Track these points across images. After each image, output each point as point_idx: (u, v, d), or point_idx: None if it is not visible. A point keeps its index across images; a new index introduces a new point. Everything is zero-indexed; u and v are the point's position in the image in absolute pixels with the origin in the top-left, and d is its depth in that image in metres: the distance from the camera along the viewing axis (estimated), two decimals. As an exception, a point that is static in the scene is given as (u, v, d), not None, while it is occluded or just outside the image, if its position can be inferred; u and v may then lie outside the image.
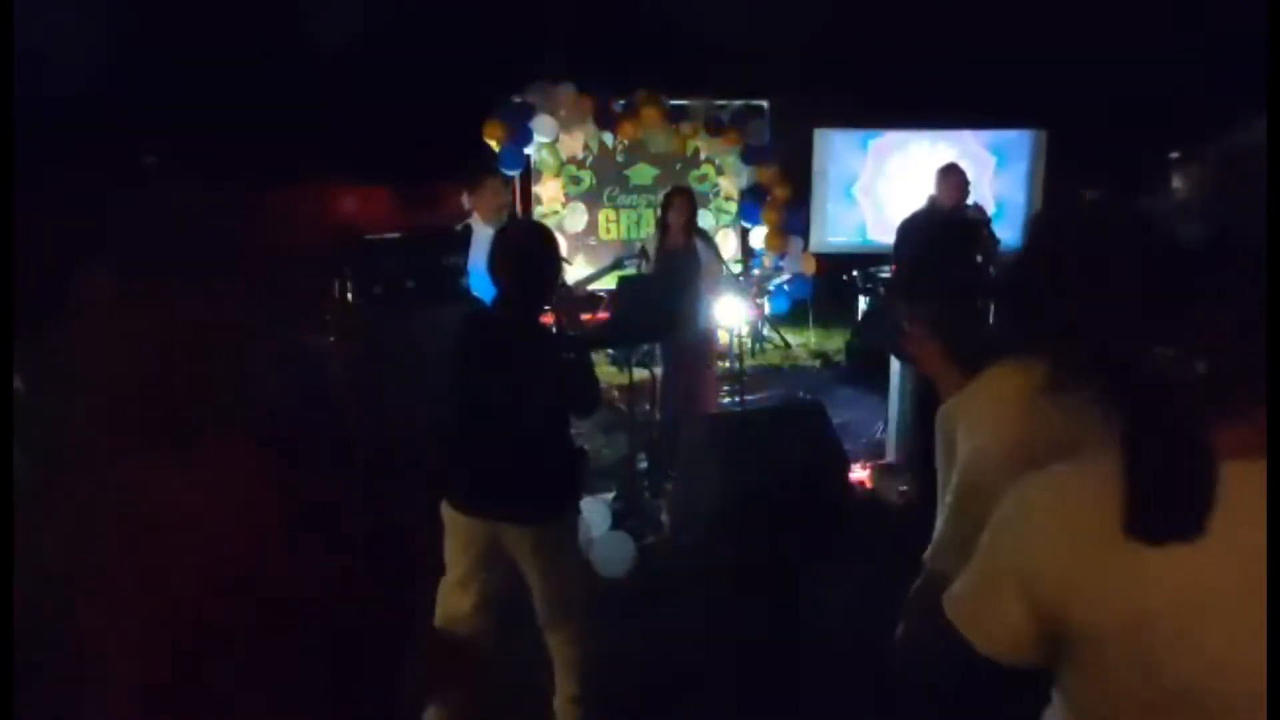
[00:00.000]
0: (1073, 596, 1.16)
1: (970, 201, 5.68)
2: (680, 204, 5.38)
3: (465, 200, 5.18)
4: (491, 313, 2.84)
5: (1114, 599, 1.13)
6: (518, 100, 8.30)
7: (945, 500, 1.81)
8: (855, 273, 8.20)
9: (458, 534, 2.81)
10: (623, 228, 9.02)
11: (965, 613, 1.29)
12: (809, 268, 8.98)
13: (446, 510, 2.82)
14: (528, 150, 8.45)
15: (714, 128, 8.67)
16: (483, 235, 5.02)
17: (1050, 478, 1.23)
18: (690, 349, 5.26)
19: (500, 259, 2.76)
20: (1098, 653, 1.17)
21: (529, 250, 2.77)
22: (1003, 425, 1.66)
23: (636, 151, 8.92)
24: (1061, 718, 1.32)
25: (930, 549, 1.81)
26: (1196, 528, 1.06)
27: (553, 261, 2.83)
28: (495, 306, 2.80)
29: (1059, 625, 1.18)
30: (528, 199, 8.72)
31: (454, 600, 2.86)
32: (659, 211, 5.64)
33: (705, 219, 8.25)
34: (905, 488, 4.79)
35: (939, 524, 1.83)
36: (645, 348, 5.19)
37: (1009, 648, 1.24)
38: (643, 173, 8.99)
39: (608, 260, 7.47)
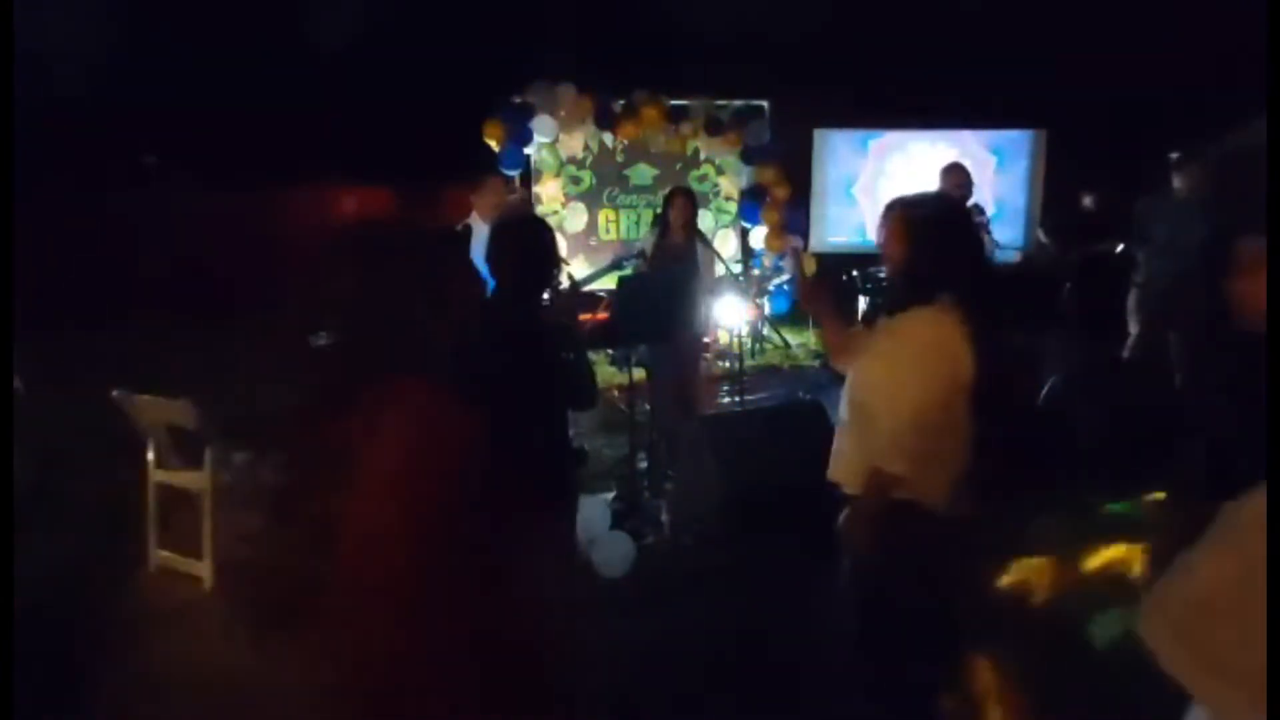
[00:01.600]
0: None
1: (971, 202, 5.69)
2: (682, 204, 5.37)
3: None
4: (489, 305, 2.82)
5: None
6: (518, 100, 8.30)
7: (870, 422, 2.48)
8: (855, 272, 8.19)
9: None
10: (622, 228, 9.01)
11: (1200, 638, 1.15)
12: (809, 268, 8.98)
13: None
14: (528, 150, 8.45)
15: (714, 128, 8.67)
16: (483, 235, 5.02)
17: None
18: (677, 351, 5.19)
19: (497, 252, 2.77)
20: None
21: (526, 243, 2.79)
22: (949, 352, 2.40)
23: (636, 151, 8.91)
24: None
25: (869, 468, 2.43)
26: None
27: (550, 254, 2.83)
28: (493, 299, 2.79)
29: None
30: (528, 198, 8.73)
31: None
32: (657, 211, 5.64)
33: (705, 219, 8.24)
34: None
35: (852, 446, 2.55)
36: (645, 347, 5.18)
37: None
38: (643, 173, 8.99)
39: (607, 260, 7.47)
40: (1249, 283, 2.09)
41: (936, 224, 2.53)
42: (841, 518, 2.56)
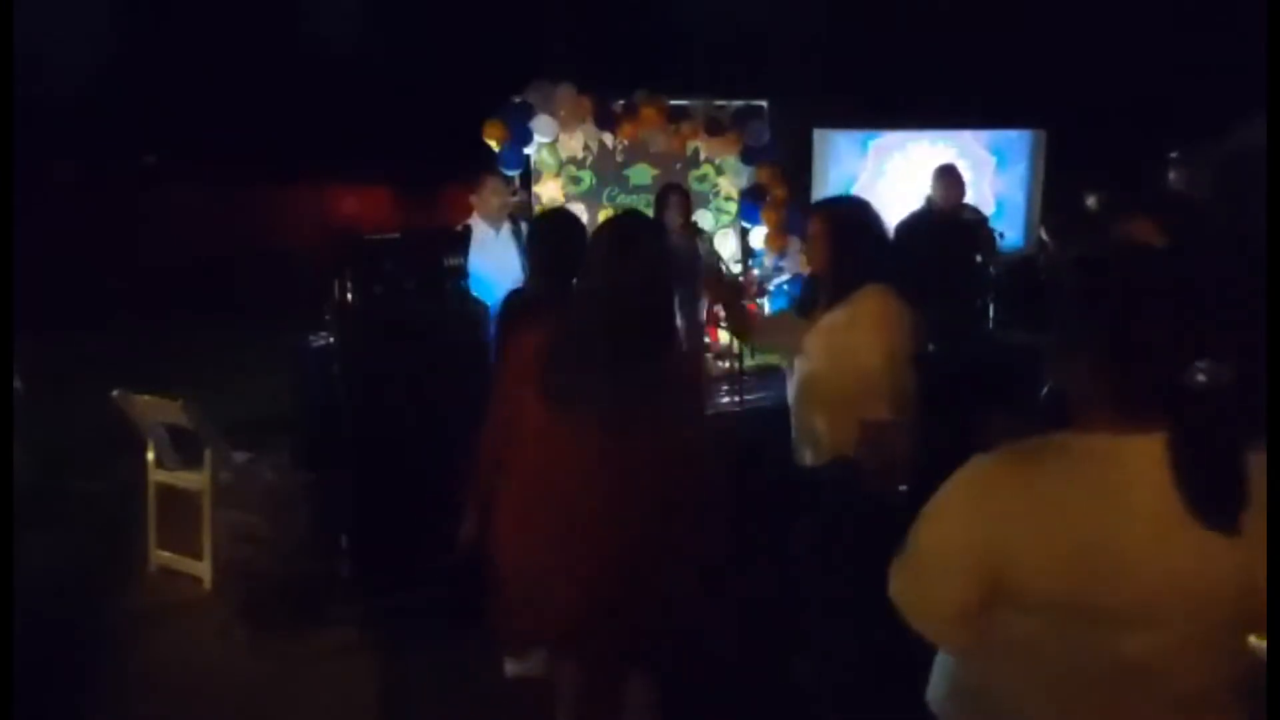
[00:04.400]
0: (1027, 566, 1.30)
1: (968, 202, 5.71)
2: (676, 201, 5.35)
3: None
4: (528, 294, 3.08)
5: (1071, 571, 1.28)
6: (518, 100, 8.30)
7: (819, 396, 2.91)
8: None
9: None
10: (622, 228, 9.01)
11: (913, 590, 1.44)
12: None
13: None
14: (528, 150, 8.45)
15: (714, 128, 8.66)
16: (483, 235, 5.01)
17: (1003, 462, 1.37)
18: None
19: (535, 245, 3.20)
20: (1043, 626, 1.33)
21: (563, 234, 3.09)
22: (899, 324, 2.77)
23: (636, 151, 8.91)
24: (961, 703, 1.49)
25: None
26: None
27: (581, 247, 3.02)
28: (530, 289, 3.09)
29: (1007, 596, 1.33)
30: (528, 199, 8.72)
31: None
32: (654, 211, 5.63)
33: (705, 219, 8.24)
34: (905, 487, 4.78)
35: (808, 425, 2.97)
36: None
37: (951, 622, 1.40)
38: (643, 173, 8.98)
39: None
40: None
41: (860, 223, 2.92)
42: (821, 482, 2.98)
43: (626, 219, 2.78)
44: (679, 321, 2.37)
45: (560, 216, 3.49)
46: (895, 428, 2.79)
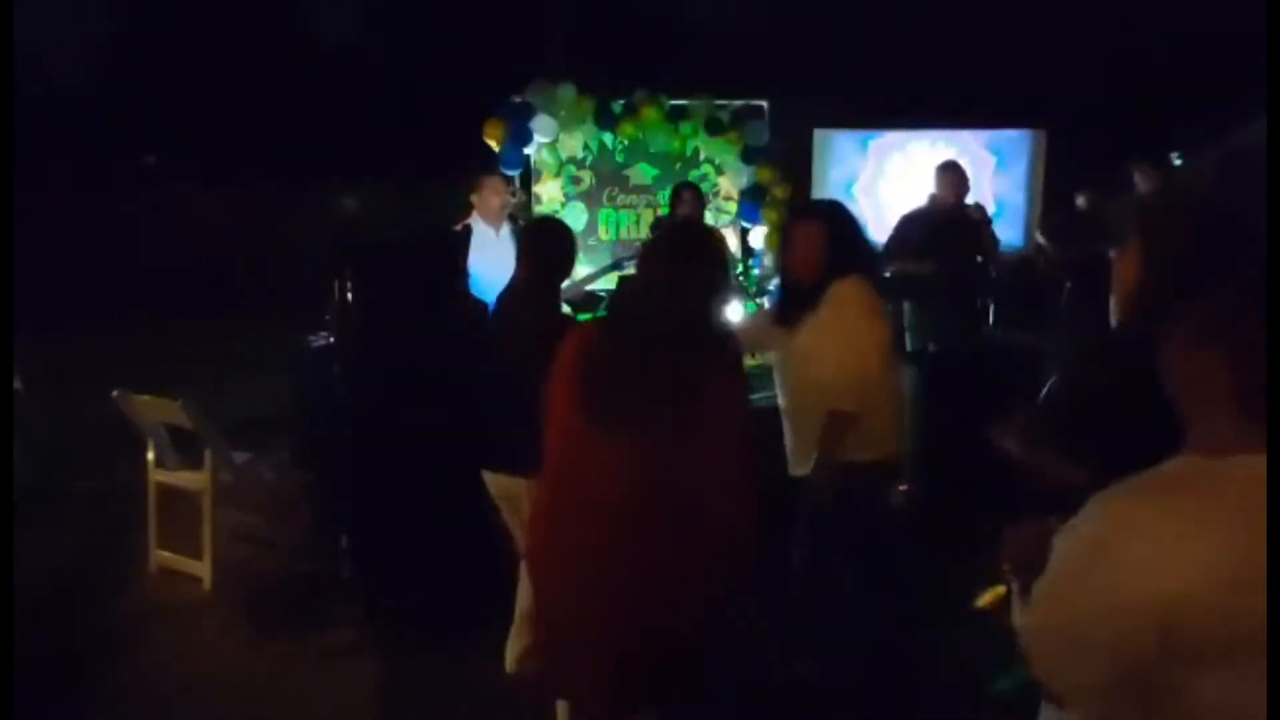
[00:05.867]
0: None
1: (970, 200, 5.69)
2: (689, 199, 5.39)
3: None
4: (517, 293, 3.17)
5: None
6: (518, 100, 8.30)
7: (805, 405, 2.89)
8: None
9: (509, 494, 2.98)
10: (622, 227, 9.01)
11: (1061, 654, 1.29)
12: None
13: (490, 476, 3.00)
14: (528, 150, 8.44)
15: (714, 128, 8.66)
16: (483, 235, 5.01)
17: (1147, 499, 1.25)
18: None
19: (528, 245, 3.37)
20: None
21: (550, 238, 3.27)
22: (875, 306, 2.89)
23: (636, 151, 8.91)
24: None
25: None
26: None
27: (564, 253, 3.25)
28: (518, 284, 3.19)
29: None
30: (528, 199, 8.71)
31: None
32: (657, 211, 5.64)
33: (705, 219, 8.25)
34: (906, 487, 4.78)
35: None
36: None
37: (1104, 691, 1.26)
38: (643, 173, 8.98)
39: (607, 260, 7.46)
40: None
41: (841, 223, 3.00)
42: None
43: (692, 227, 2.85)
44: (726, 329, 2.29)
45: (551, 223, 3.71)
46: (858, 418, 2.77)
